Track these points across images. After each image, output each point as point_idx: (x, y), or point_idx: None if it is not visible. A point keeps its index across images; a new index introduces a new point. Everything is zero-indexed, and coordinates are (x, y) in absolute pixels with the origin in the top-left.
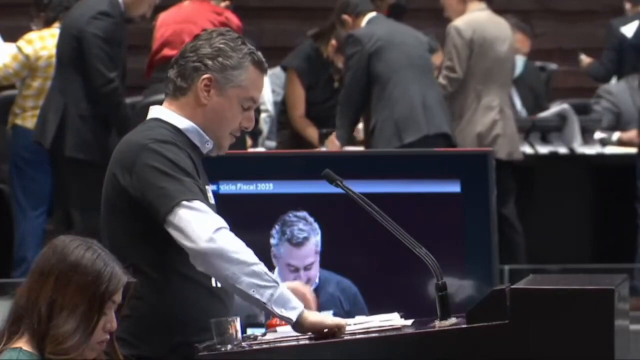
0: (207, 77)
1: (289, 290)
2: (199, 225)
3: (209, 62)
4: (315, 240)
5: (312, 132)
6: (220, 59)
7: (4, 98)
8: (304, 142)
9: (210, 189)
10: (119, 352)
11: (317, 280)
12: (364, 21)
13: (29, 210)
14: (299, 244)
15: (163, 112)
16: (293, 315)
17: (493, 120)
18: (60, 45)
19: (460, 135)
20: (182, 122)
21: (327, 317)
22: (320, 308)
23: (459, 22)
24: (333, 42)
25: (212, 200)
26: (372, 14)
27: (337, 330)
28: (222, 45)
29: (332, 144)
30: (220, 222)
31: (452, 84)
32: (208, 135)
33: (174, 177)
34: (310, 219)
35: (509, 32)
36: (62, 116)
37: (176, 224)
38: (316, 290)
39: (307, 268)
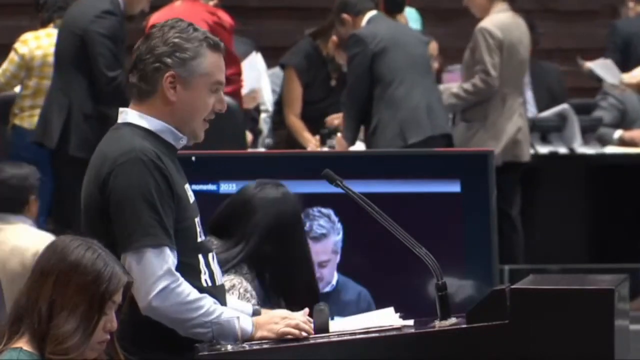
0: (170, 74)
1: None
2: (141, 283)
3: (168, 60)
4: (335, 239)
5: (306, 136)
6: (177, 54)
7: (4, 98)
8: (299, 142)
9: (188, 187)
10: (119, 352)
11: (334, 283)
12: (364, 20)
13: None
14: (315, 238)
15: (133, 116)
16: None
17: (518, 128)
18: (60, 45)
19: (484, 136)
20: (153, 124)
21: (274, 327)
22: (338, 313)
23: (488, 24)
24: (334, 38)
25: (191, 199)
26: (372, 13)
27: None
28: (176, 40)
29: (340, 144)
30: (163, 279)
31: (489, 87)
32: (183, 131)
33: (136, 212)
34: (334, 218)
35: (528, 34)
36: (66, 116)
37: (126, 268)
38: (332, 294)
39: (321, 265)
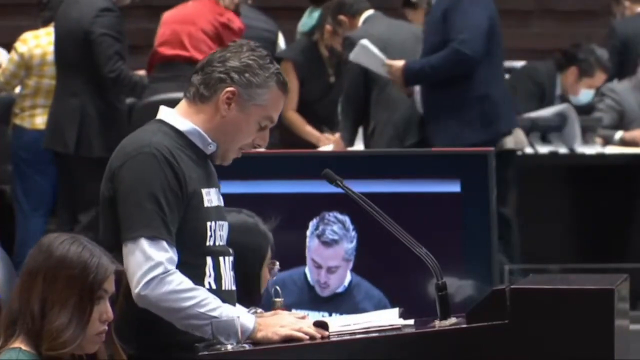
0: (231, 90)
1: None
2: (135, 271)
3: (236, 76)
4: (347, 247)
5: (309, 130)
6: (247, 75)
7: (4, 98)
8: (295, 142)
9: (214, 191)
10: (118, 345)
11: (345, 284)
12: (360, 20)
13: (30, 211)
14: (326, 243)
15: (168, 114)
16: (234, 342)
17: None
18: (60, 47)
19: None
20: (184, 125)
21: (279, 330)
22: (350, 313)
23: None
24: (328, 26)
25: (213, 203)
26: (369, 12)
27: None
28: (250, 62)
29: (338, 145)
30: (154, 270)
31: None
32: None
33: (140, 204)
34: (349, 226)
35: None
36: (80, 118)
37: (123, 257)
38: (342, 295)
39: (330, 270)
